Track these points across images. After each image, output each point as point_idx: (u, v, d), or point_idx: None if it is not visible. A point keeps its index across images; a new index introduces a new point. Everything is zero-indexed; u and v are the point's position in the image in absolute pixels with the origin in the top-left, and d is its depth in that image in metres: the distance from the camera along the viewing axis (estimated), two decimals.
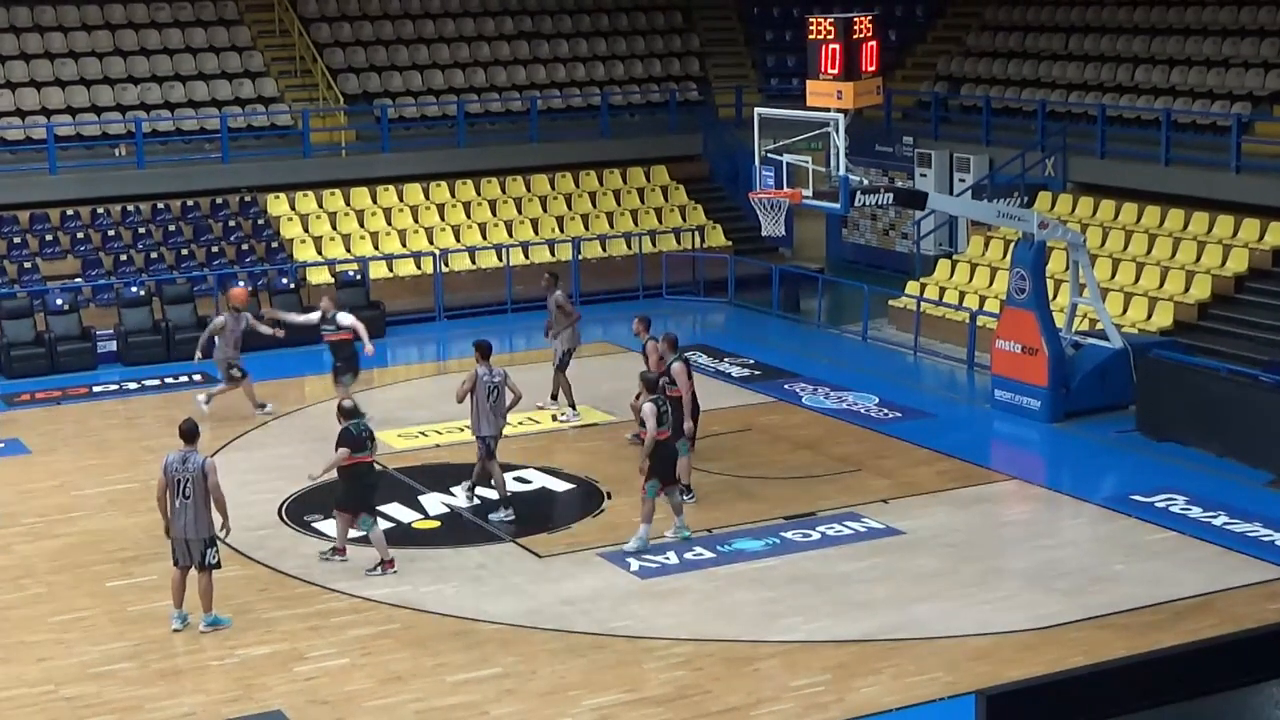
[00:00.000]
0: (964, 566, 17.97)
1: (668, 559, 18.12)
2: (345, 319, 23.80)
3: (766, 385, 25.57)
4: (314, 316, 24.25)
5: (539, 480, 21.10)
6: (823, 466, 21.46)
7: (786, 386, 25.46)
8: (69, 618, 16.74)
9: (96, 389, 26.38)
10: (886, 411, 24.05)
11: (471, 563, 18.21)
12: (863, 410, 24.12)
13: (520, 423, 23.42)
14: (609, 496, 20.36)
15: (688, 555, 18.23)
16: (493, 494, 19.97)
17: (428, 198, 33.40)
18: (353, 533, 18.14)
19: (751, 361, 26.90)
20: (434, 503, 20.20)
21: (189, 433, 16.41)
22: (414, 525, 19.52)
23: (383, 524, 19.18)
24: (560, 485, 20.97)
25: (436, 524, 19.58)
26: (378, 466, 18.89)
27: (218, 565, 16.45)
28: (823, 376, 26.04)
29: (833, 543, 18.64)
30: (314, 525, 19.36)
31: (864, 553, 18.38)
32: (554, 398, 24.06)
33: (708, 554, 18.30)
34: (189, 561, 16.33)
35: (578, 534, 19.13)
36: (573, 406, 23.80)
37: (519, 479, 21.04)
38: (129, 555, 18.50)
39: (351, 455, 17.79)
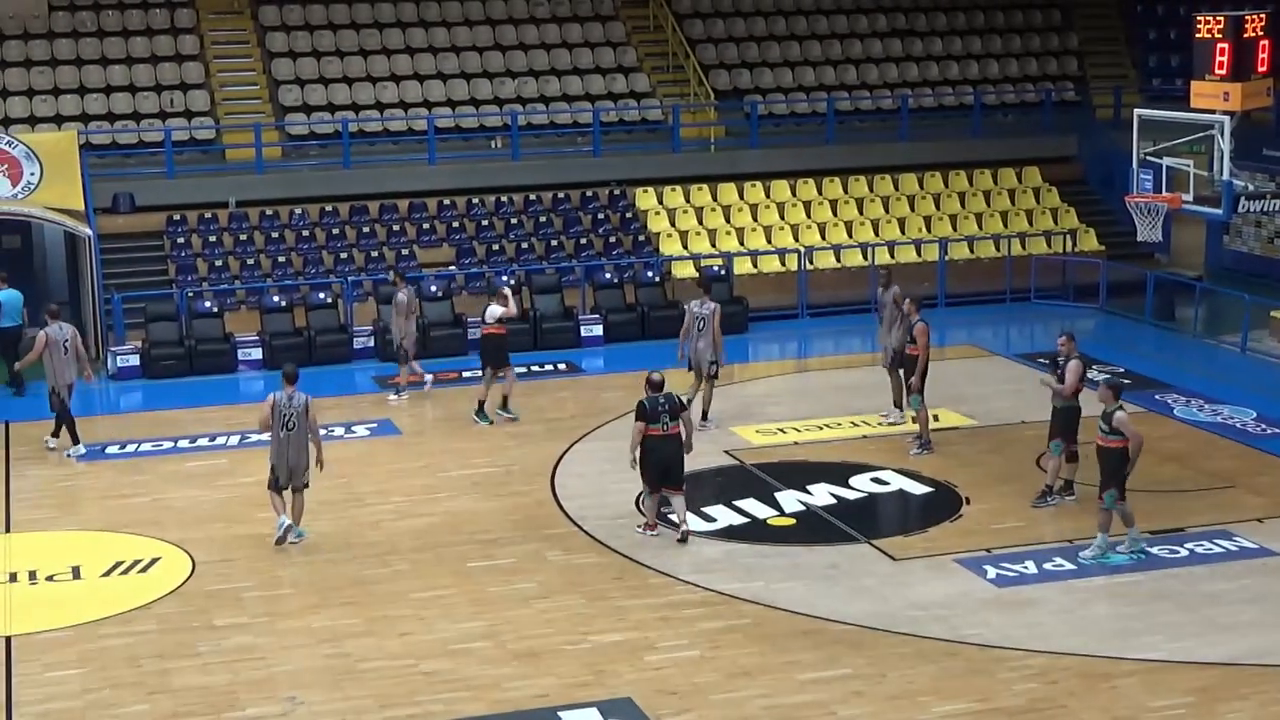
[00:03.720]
0: None
1: (1025, 568, 17.66)
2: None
3: (1137, 395, 24.68)
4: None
5: (897, 482, 20.82)
6: (1193, 481, 20.65)
7: (1158, 397, 24.59)
8: (430, 595, 17.20)
9: (466, 374, 27.08)
10: (1264, 427, 23.01)
11: (825, 561, 18.07)
12: (1239, 425, 23.15)
13: (879, 424, 23.21)
14: (967, 502, 19.97)
15: (1046, 565, 17.74)
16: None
17: (794, 194, 33.35)
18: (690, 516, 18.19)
19: (1122, 370, 26.06)
20: (790, 500, 20.11)
21: (292, 375, 18.82)
22: (769, 522, 19.46)
23: (737, 519, 19.33)
24: (918, 488, 20.66)
25: (791, 521, 19.49)
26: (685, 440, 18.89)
27: (306, 485, 18.79)
28: (1197, 388, 25.08)
29: (1201, 560, 17.91)
30: (670, 517, 19.46)
31: (1234, 573, 17.59)
32: (897, 404, 23.37)
33: (1067, 565, 17.78)
34: (287, 484, 18.70)
35: (933, 538, 18.81)
36: (898, 407, 23.28)
37: (876, 480, 20.82)
38: (490, 538, 18.91)
39: (646, 427, 18.33)
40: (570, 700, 14.64)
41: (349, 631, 16.26)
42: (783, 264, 31.62)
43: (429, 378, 25.53)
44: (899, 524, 19.57)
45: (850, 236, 32.52)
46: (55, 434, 22.85)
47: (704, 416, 23.03)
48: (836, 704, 14.53)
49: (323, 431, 22.96)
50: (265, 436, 19.02)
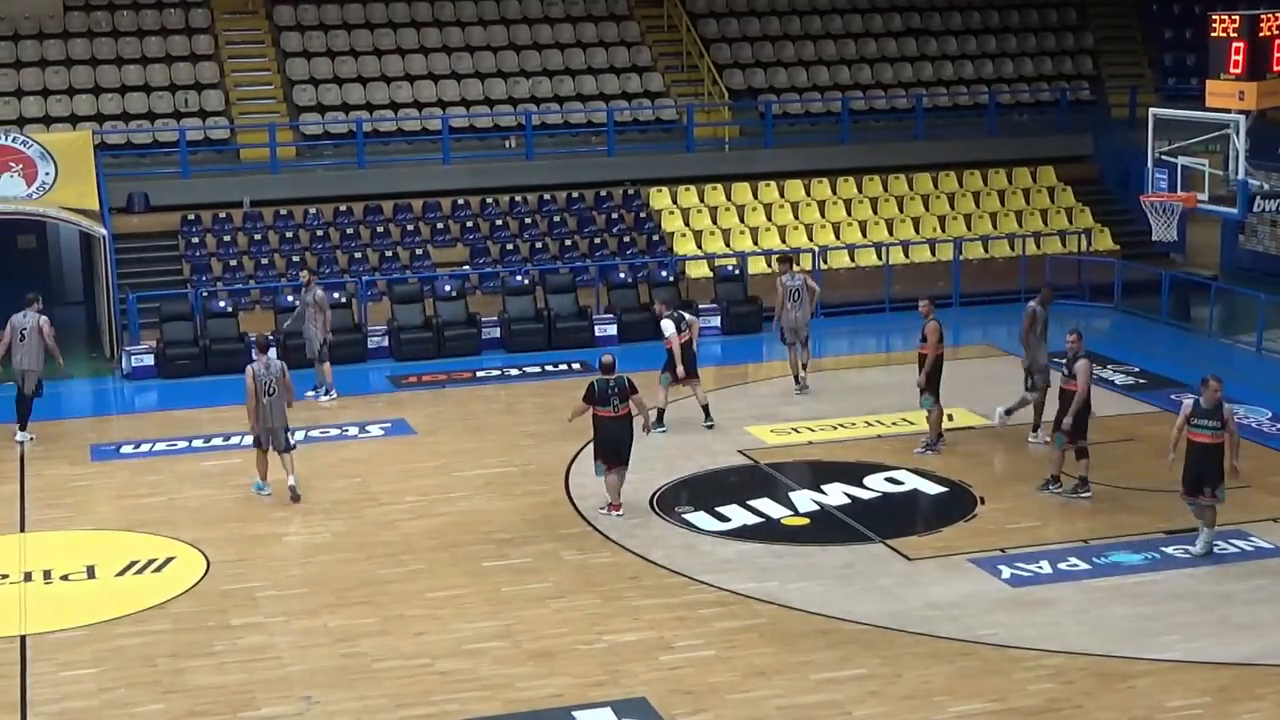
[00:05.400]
0: None
1: (1040, 568, 17.64)
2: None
3: (1152, 395, 24.71)
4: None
5: (911, 482, 20.79)
6: None
7: (1173, 397, 24.51)
8: (445, 594, 17.20)
9: (480, 374, 27.15)
10: None
11: (839, 561, 18.05)
12: (1254, 424, 23.08)
13: (894, 423, 23.19)
14: (982, 501, 19.94)
15: (1061, 565, 17.71)
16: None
17: (809, 194, 33.33)
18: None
19: (1137, 370, 26.04)
20: (804, 499, 20.10)
21: (264, 344, 20.73)
22: (783, 521, 19.44)
23: (752, 519, 19.41)
24: (932, 488, 20.62)
25: (806, 521, 19.47)
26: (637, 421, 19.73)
27: (291, 446, 20.33)
28: None
29: (1217, 560, 17.88)
30: (684, 516, 19.49)
31: (1250, 573, 17.56)
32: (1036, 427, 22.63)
33: (1082, 565, 17.75)
34: (270, 446, 20.14)
35: (947, 538, 18.78)
36: (1036, 430, 22.49)
37: (890, 479, 20.79)
38: (504, 538, 18.92)
39: (594, 408, 19.17)
40: (585, 700, 14.63)
41: (364, 631, 16.27)
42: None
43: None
44: (913, 524, 19.52)
45: (865, 236, 32.49)
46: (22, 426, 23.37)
47: (797, 380, 25.17)
48: (851, 704, 14.51)
49: (335, 431, 23.25)
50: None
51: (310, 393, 25.06)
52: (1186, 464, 17.86)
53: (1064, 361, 20.10)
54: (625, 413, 19.30)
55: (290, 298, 28.44)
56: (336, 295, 28.63)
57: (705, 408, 23.28)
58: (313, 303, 25.44)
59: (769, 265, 31.17)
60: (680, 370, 22.89)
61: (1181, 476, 17.93)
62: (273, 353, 21.09)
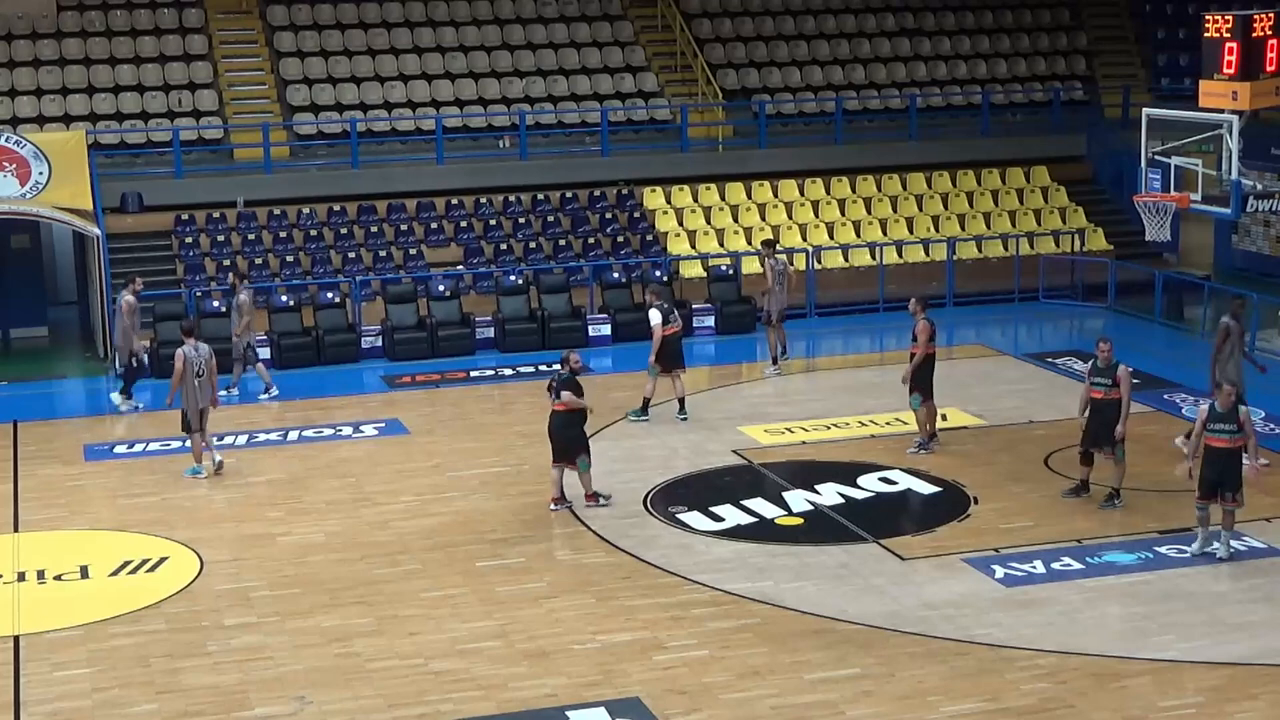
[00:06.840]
0: None
1: (1034, 568, 17.65)
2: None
3: (1145, 395, 24.68)
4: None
5: (905, 481, 20.80)
6: None
7: (1166, 396, 24.58)
8: (440, 594, 17.20)
9: (474, 374, 27.14)
10: (1273, 426, 22.99)
11: (833, 561, 18.05)
12: None
13: (888, 423, 23.20)
14: (975, 501, 19.95)
15: (1055, 565, 17.72)
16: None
17: (803, 194, 33.34)
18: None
19: (1130, 369, 25.99)
20: (798, 499, 20.10)
21: (189, 329, 21.69)
22: (777, 521, 19.45)
23: (745, 519, 19.42)
24: (926, 488, 20.63)
25: (799, 521, 19.48)
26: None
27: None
28: (1205, 387, 24.84)
29: (1211, 560, 17.88)
30: (678, 516, 19.49)
31: (1244, 572, 17.57)
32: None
33: (1075, 564, 17.76)
34: (199, 426, 21.12)
35: (941, 538, 18.79)
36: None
37: (884, 479, 20.80)
38: (499, 537, 18.92)
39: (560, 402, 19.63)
40: (579, 700, 14.63)
41: (358, 631, 16.27)
42: (790, 263, 31.56)
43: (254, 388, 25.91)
44: (907, 523, 19.53)
45: (858, 236, 32.51)
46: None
47: (783, 354, 26.69)
48: (845, 704, 14.51)
49: (329, 431, 23.30)
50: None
51: (263, 395, 25.53)
52: (1205, 468, 17.86)
53: (1088, 370, 20.07)
54: (559, 409, 19.59)
55: (284, 298, 28.45)
56: (330, 295, 28.65)
57: (681, 400, 23.45)
58: (236, 306, 25.58)
59: (762, 266, 31.22)
60: (653, 359, 23.26)
61: (1198, 479, 17.92)
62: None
